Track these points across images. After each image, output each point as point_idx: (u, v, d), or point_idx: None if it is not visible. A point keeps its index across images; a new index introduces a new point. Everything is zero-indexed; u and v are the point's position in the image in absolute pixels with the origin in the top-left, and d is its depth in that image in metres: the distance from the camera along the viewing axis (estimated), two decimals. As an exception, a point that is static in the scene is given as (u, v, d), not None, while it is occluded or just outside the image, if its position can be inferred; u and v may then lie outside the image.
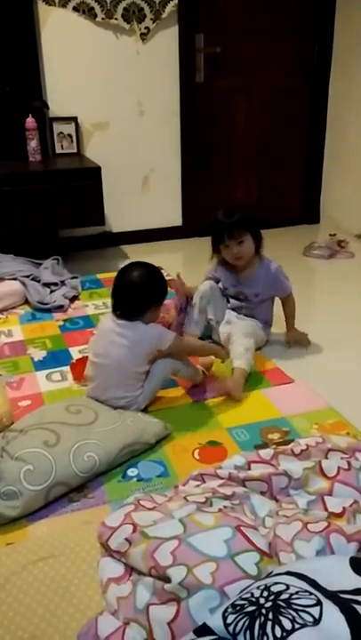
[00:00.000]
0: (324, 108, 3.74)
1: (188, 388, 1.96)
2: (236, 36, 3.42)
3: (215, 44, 3.37)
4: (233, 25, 3.39)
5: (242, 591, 0.81)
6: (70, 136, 3.25)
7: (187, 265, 3.38)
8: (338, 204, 3.82)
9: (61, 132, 3.24)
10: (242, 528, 1.12)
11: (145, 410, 1.79)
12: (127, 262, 1.83)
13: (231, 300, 2.24)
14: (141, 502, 1.30)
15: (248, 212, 2.10)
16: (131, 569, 1.15)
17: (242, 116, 3.61)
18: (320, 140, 3.82)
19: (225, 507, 1.24)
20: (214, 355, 1.97)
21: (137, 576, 1.11)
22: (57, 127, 3.22)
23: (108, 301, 2.58)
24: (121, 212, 3.51)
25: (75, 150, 3.27)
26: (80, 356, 2.13)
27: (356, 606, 0.66)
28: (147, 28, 3.19)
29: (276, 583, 0.73)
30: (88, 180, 2.93)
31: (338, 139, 3.72)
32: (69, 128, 3.24)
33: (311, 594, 0.68)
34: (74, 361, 2.09)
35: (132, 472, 1.56)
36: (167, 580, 1.03)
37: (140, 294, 1.70)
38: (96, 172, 2.94)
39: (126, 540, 1.17)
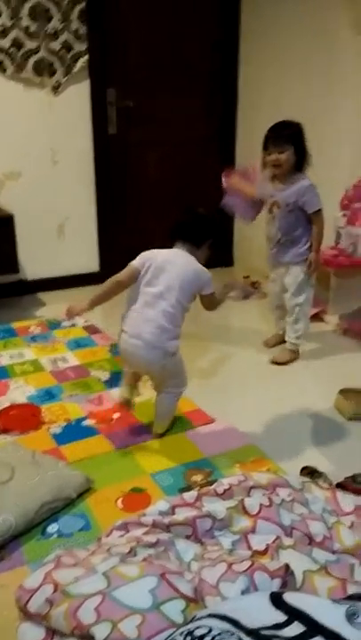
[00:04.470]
0: (232, 156, 3.95)
1: (109, 434, 1.92)
2: (147, 90, 3.57)
3: (127, 98, 3.50)
4: (143, 80, 3.54)
5: (166, 639, 0.79)
6: (-18, 185, 3.21)
7: (104, 311, 3.36)
8: (250, 247, 4.00)
9: (-28, 181, 3.19)
10: (167, 575, 1.10)
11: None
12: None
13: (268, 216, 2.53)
14: (62, 559, 1.24)
15: (298, 129, 2.32)
16: (52, 632, 1.08)
17: (154, 165, 3.73)
18: (230, 188, 4.01)
19: (150, 555, 1.21)
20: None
21: (59, 639, 1.05)
22: (-33, 176, 3.17)
23: (24, 351, 2.55)
24: (36, 260, 3.47)
25: (-14, 199, 3.23)
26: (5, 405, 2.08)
27: (277, 641, 0.66)
28: (57, 82, 3.26)
29: (198, 627, 0.72)
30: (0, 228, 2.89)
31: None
32: (-20, 177, 3.20)
33: (233, 634, 0.68)
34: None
35: (52, 528, 1.49)
36: (91, 639, 0.98)
37: (205, 224, 1.95)
38: (8, 220, 2.91)
39: (47, 600, 1.10)
